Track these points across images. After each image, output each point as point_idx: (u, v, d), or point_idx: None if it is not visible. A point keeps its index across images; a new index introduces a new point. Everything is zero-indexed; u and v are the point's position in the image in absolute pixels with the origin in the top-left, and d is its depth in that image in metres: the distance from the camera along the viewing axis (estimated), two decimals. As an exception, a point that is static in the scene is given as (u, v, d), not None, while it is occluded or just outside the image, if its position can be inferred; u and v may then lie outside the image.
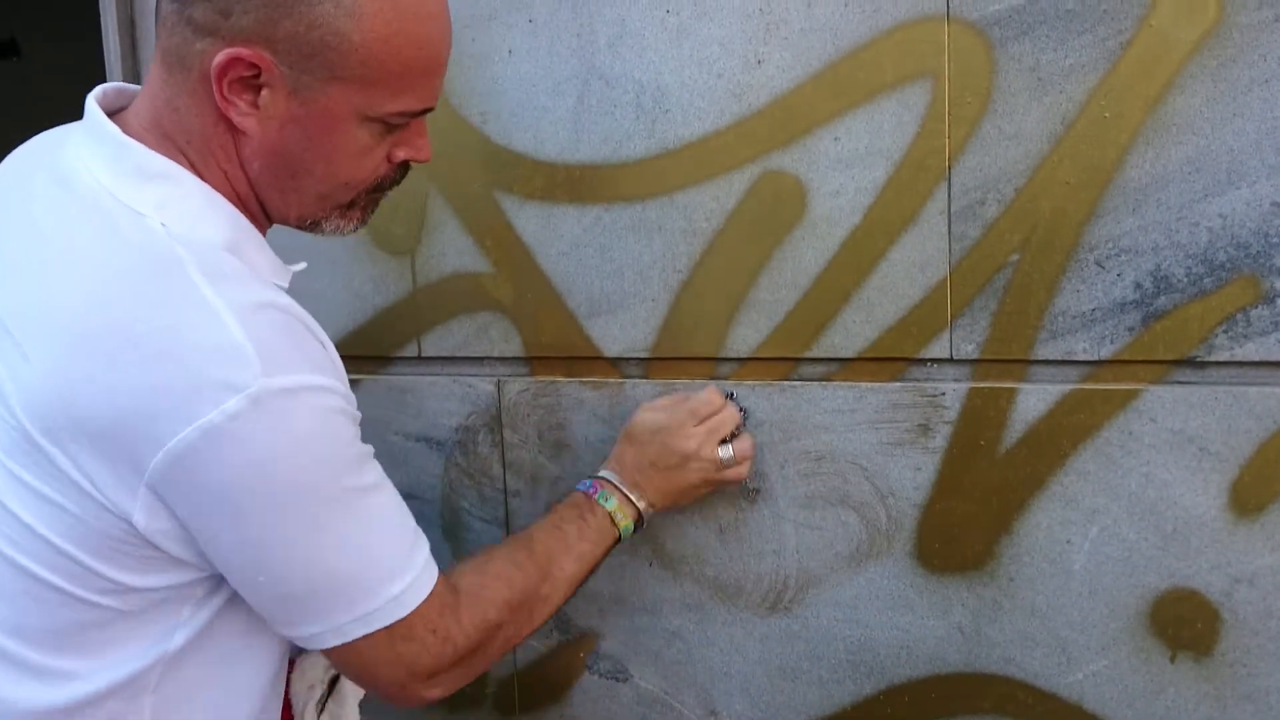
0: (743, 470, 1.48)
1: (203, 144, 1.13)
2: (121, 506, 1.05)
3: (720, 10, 1.45)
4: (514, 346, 1.62)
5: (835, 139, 1.43)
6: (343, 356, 1.68)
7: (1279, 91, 1.26)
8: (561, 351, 1.60)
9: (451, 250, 1.63)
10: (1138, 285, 1.34)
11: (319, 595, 1.12)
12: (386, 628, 1.14)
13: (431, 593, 1.18)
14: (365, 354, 1.70)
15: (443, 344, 1.66)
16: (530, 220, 1.58)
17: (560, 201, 1.56)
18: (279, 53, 1.07)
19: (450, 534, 1.69)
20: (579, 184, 1.55)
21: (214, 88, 1.08)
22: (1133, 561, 1.38)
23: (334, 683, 1.42)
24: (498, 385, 1.63)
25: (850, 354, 1.46)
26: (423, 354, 1.67)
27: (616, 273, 1.55)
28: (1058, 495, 1.40)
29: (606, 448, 1.58)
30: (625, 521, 1.42)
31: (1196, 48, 1.28)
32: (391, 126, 1.16)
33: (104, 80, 1.74)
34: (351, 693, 1.43)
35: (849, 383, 1.47)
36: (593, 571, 1.40)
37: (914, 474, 1.45)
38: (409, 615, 1.15)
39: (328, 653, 1.17)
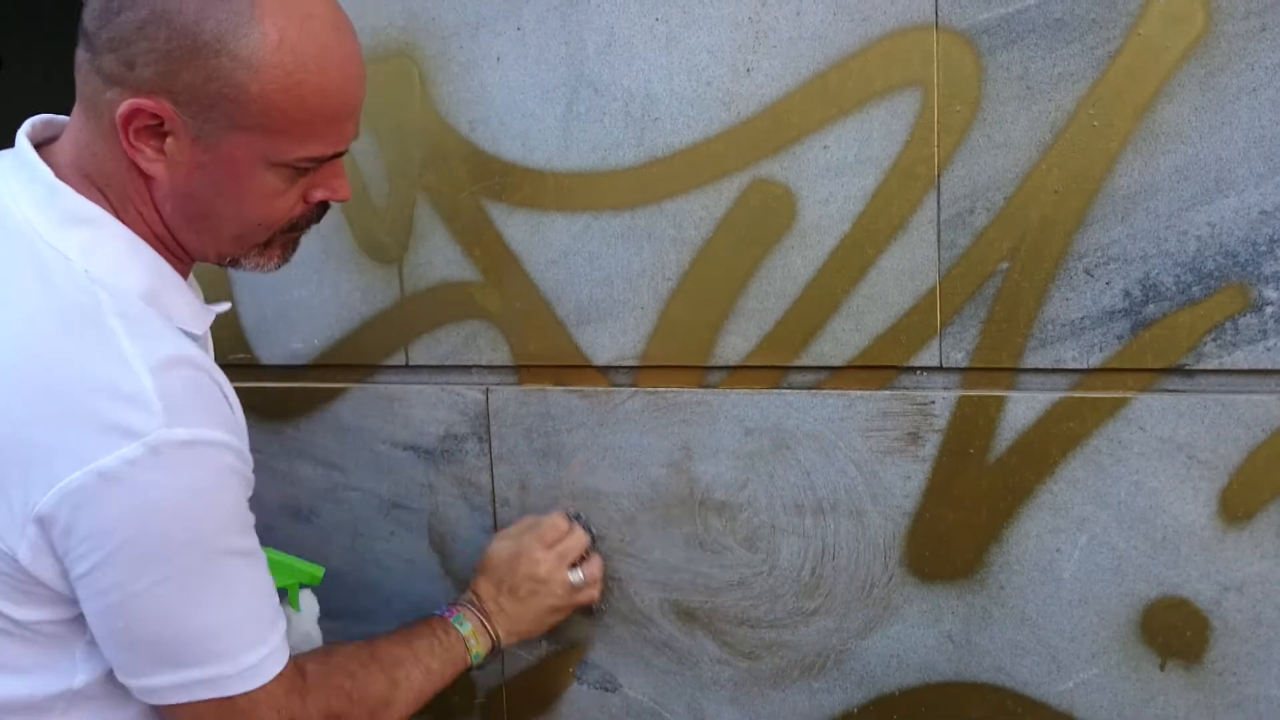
0: (594, 593, 1.54)
1: (120, 187, 1.16)
2: (8, 540, 1.08)
3: (709, 19, 1.45)
4: (502, 355, 1.62)
5: (825, 147, 1.43)
6: (330, 365, 1.70)
7: (1267, 100, 1.27)
8: (550, 360, 1.60)
9: (439, 259, 1.62)
10: (1126, 293, 1.34)
11: (174, 647, 1.13)
12: (229, 698, 1.16)
13: (281, 673, 1.20)
14: (352, 362, 1.70)
15: (431, 353, 1.65)
16: (519, 228, 1.58)
17: (549, 209, 1.56)
18: (180, 103, 1.09)
19: (437, 544, 1.69)
20: (568, 192, 1.55)
21: (120, 136, 1.11)
22: (1122, 570, 1.38)
23: None
24: (486, 394, 1.63)
25: (840, 362, 1.46)
26: (410, 363, 1.67)
27: (605, 281, 1.55)
28: (1047, 504, 1.40)
29: (594, 456, 1.58)
30: (478, 648, 1.45)
31: (1185, 56, 1.29)
32: (302, 170, 1.18)
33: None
34: None
35: (838, 391, 1.47)
36: (437, 692, 1.40)
37: (904, 482, 1.45)
38: (256, 690, 1.17)
39: (168, 711, 1.17)
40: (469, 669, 1.45)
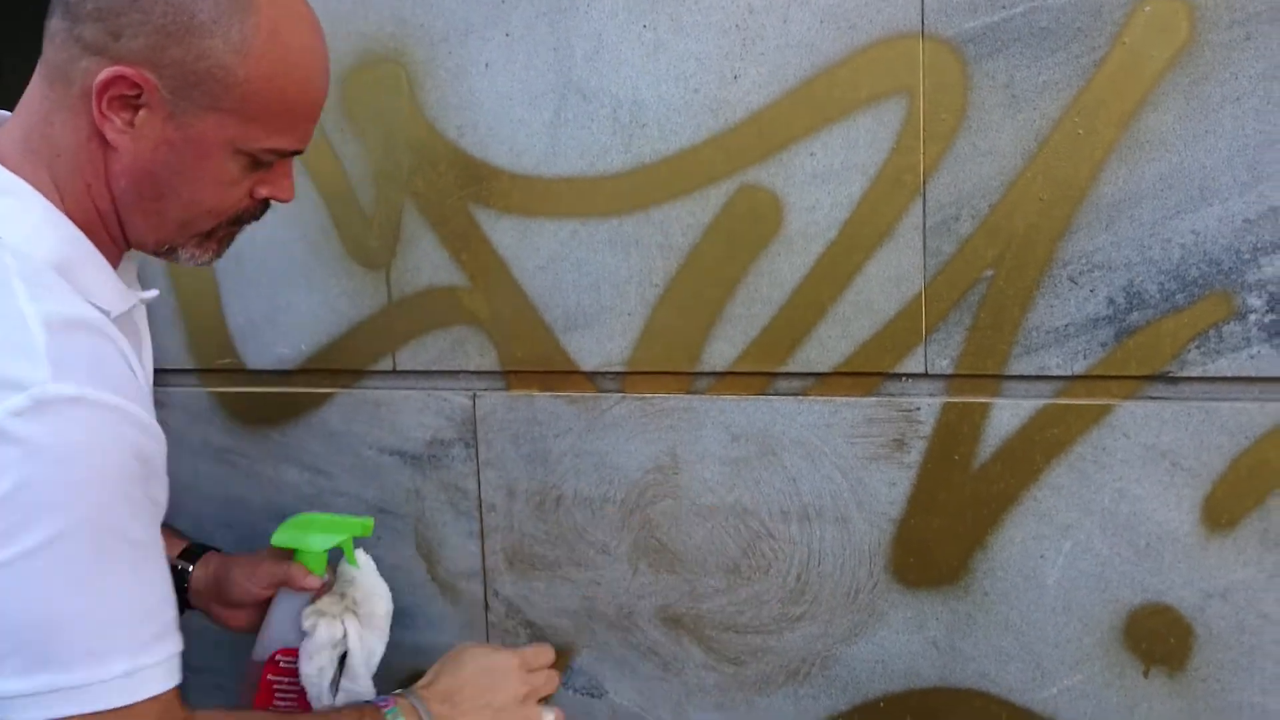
0: None
1: (72, 159, 1.15)
2: None
3: (697, 26, 1.46)
4: (489, 360, 1.62)
5: (811, 154, 1.43)
6: (317, 370, 1.69)
7: (1250, 109, 1.28)
8: (537, 365, 1.60)
9: (427, 264, 1.62)
10: (1111, 301, 1.35)
11: (41, 635, 1.01)
12: (95, 716, 1.02)
13: (160, 696, 1.07)
14: (339, 367, 1.69)
15: (418, 358, 1.65)
16: (506, 234, 1.58)
17: (537, 215, 1.56)
18: (163, 77, 1.11)
19: (424, 550, 1.68)
20: (555, 198, 1.55)
21: (94, 103, 1.11)
22: (1106, 576, 1.38)
23: (343, 659, 1.46)
24: (473, 399, 1.63)
25: (826, 369, 1.46)
26: (397, 368, 1.66)
27: (593, 287, 1.55)
28: (1031, 510, 1.40)
29: (581, 462, 1.58)
30: None
31: (1169, 65, 1.29)
32: (260, 163, 1.20)
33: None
34: (363, 665, 1.46)
35: (824, 397, 1.47)
36: None
37: (889, 488, 1.45)
38: (127, 709, 1.04)
39: None
40: None
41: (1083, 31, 1.32)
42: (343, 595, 1.48)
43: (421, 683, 1.36)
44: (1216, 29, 1.27)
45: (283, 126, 1.18)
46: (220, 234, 1.25)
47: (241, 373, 1.74)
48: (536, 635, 1.64)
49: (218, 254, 1.27)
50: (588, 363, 1.57)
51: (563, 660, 1.64)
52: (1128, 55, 1.30)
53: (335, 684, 1.45)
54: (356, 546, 1.51)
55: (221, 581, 1.50)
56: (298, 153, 1.23)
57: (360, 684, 1.45)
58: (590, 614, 1.61)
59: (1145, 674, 1.39)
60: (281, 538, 1.48)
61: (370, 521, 1.52)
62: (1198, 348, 1.33)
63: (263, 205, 1.27)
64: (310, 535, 1.47)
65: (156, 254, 1.26)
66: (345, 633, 1.46)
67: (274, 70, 1.14)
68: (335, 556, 1.50)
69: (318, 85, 1.20)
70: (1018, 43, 1.34)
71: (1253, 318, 1.31)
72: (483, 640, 1.67)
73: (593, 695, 1.63)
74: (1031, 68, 1.34)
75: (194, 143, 1.14)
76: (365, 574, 1.50)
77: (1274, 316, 1.30)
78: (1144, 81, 1.30)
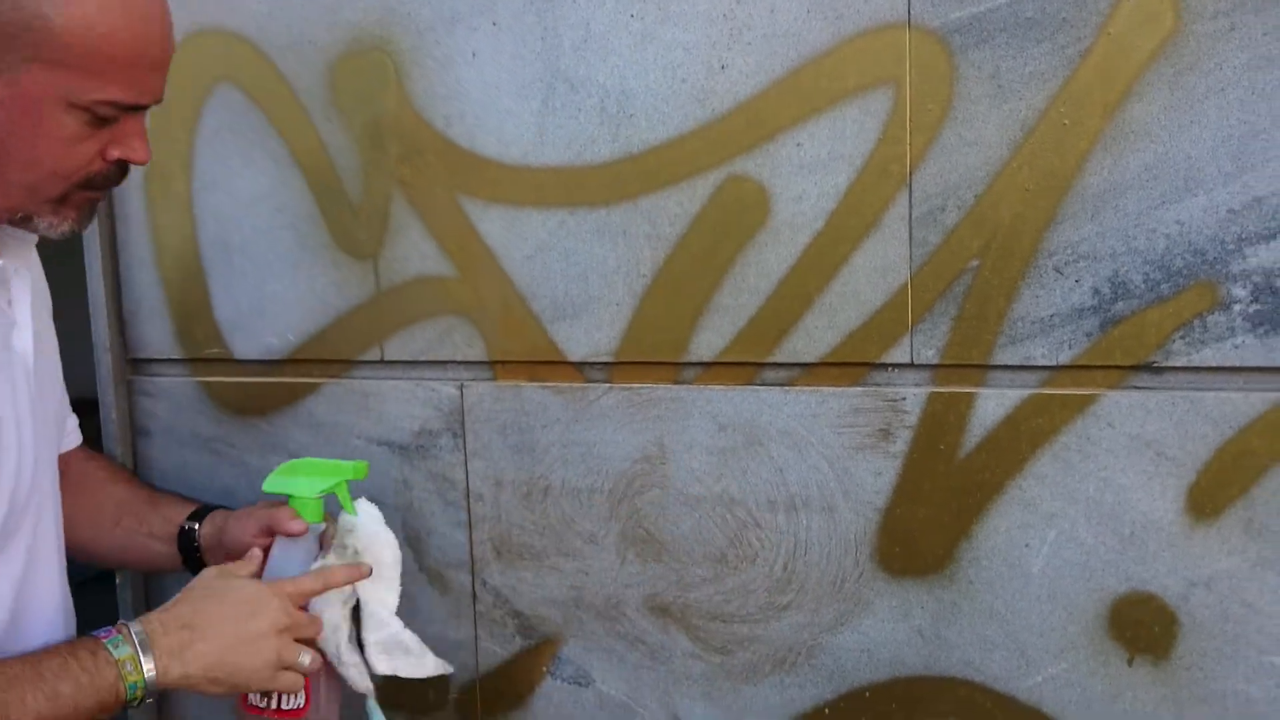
0: (297, 684, 1.33)
1: None
2: None
3: (684, 15, 1.46)
4: (477, 351, 1.62)
5: (798, 145, 1.43)
6: (305, 360, 1.69)
7: (1235, 99, 1.28)
8: (525, 356, 1.60)
9: (415, 254, 1.62)
10: (1096, 291, 1.35)
11: None
12: None
13: None
14: (327, 357, 1.69)
15: (406, 348, 1.65)
16: (494, 224, 1.58)
17: (524, 205, 1.56)
18: None
19: (412, 540, 1.69)
20: (543, 187, 1.55)
21: None
22: (1091, 565, 1.39)
23: (355, 610, 1.40)
24: (461, 389, 1.63)
25: (812, 359, 1.47)
26: (385, 358, 1.67)
27: (581, 277, 1.55)
28: (1016, 499, 1.41)
29: (569, 453, 1.58)
30: (136, 676, 1.19)
31: (1154, 56, 1.30)
32: (102, 119, 1.18)
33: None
34: (385, 612, 1.41)
35: (811, 387, 1.47)
36: None
37: (875, 478, 1.46)
38: None
39: None
40: (123, 704, 1.20)
41: (1068, 22, 1.32)
42: (344, 547, 1.41)
43: (156, 612, 1.27)
44: (1201, 19, 1.28)
45: (111, 76, 1.15)
46: (75, 200, 1.22)
47: (229, 362, 1.74)
48: (524, 625, 1.64)
49: (78, 223, 1.24)
50: (575, 353, 1.57)
51: (550, 650, 1.64)
52: (1113, 46, 1.31)
53: (354, 639, 1.39)
54: (360, 496, 1.46)
55: (222, 534, 1.47)
56: (141, 108, 1.21)
57: (387, 631, 1.40)
58: (578, 603, 1.62)
59: (1129, 662, 1.40)
60: (273, 484, 1.43)
61: (364, 465, 1.45)
62: (1182, 338, 1.33)
63: (119, 169, 1.24)
64: (300, 480, 1.42)
65: (14, 224, 1.23)
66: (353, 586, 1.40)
67: (92, 17, 1.12)
68: (336, 509, 1.46)
69: (144, 36, 1.17)
70: (1003, 33, 1.34)
71: (1237, 308, 1.31)
72: (474, 633, 1.67)
73: (580, 684, 1.64)
74: (1017, 58, 1.34)
75: (23, 99, 1.13)
76: (367, 521, 1.43)
77: (1258, 306, 1.31)
78: (1129, 72, 1.31)
